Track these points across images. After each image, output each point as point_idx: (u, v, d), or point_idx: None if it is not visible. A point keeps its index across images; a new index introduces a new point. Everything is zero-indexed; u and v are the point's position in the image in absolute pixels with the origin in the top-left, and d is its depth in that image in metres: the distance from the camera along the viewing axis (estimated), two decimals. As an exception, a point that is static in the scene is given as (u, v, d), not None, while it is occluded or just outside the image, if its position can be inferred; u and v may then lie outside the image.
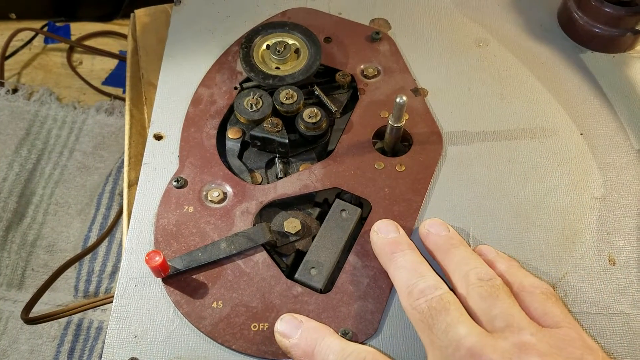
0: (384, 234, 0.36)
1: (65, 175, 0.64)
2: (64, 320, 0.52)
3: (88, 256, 0.57)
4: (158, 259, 0.33)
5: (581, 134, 0.42)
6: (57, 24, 0.74)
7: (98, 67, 0.71)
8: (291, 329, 0.33)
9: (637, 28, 0.45)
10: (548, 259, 0.37)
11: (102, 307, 0.41)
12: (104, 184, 0.61)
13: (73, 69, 0.71)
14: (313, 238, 0.38)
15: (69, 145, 0.66)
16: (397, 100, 0.37)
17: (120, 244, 0.55)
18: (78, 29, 0.73)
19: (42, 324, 0.50)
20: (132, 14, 0.51)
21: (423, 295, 0.32)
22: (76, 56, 0.72)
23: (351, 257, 0.37)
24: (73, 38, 0.71)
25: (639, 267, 0.36)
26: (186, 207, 0.38)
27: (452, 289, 0.33)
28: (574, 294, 0.36)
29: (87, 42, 0.72)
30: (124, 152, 0.43)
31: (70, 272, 0.57)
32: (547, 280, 0.36)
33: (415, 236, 0.37)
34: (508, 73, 0.45)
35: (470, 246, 0.36)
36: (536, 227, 0.38)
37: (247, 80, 0.44)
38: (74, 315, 0.52)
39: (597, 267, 0.36)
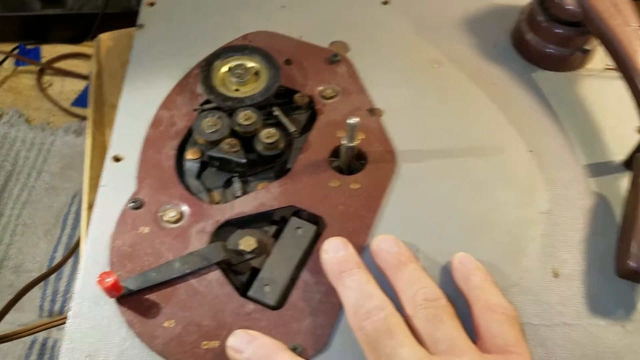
0: (332, 253, 0.36)
1: (33, 196, 0.64)
2: (28, 339, 0.52)
3: (53, 276, 0.57)
4: (109, 280, 0.34)
5: (530, 151, 0.43)
6: (28, 47, 0.74)
7: (67, 89, 0.72)
8: (243, 344, 0.34)
9: (585, 47, 0.47)
10: (494, 273, 0.37)
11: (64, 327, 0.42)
12: (70, 204, 0.62)
13: (43, 90, 0.71)
14: (268, 256, 0.39)
15: (37, 166, 0.66)
16: (349, 121, 0.38)
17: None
18: (48, 51, 0.73)
19: (7, 344, 0.51)
20: (96, 38, 0.52)
21: (369, 316, 0.32)
22: (46, 78, 0.72)
23: (304, 274, 0.38)
24: (43, 60, 0.72)
25: (582, 280, 0.38)
26: (142, 228, 0.39)
27: (401, 307, 0.34)
28: (518, 306, 0.36)
29: (57, 64, 0.72)
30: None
31: (36, 292, 0.57)
32: (493, 294, 0.37)
33: (367, 252, 0.38)
34: (460, 93, 0.46)
35: (419, 261, 0.37)
36: (483, 242, 0.39)
37: (208, 102, 0.45)
38: (38, 335, 0.52)
39: (540, 280, 0.38)
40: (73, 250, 0.55)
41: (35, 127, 0.69)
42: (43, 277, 0.56)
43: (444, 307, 0.33)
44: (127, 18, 0.50)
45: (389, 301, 0.33)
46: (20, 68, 0.73)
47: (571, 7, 0.43)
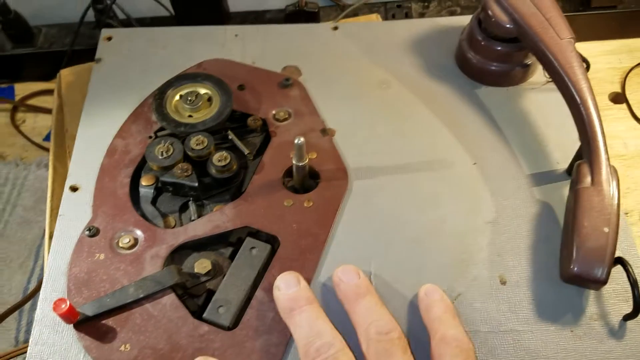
0: (284, 289, 0.36)
1: (8, 230, 0.65)
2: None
3: (28, 307, 0.58)
4: (64, 307, 0.35)
5: (474, 164, 0.45)
6: (1, 86, 0.76)
7: (40, 124, 0.73)
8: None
9: (525, 62, 0.49)
10: (444, 281, 0.39)
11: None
12: (42, 236, 0.63)
13: (16, 127, 0.72)
14: (224, 277, 0.40)
15: (12, 201, 0.67)
16: (296, 141, 0.40)
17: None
18: (21, 89, 0.75)
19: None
20: (58, 74, 0.54)
21: (318, 354, 0.33)
22: (19, 115, 0.74)
23: (258, 293, 0.39)
24: (17, 98, 0.74)
25: (528, 286, 0.39)
26: (97, 255, 0.40)
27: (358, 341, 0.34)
28: (467, 314, 0.38)
29: (30, 101, 0.74)
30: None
31: (11, 324, 0.57)
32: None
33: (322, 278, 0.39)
34: (408, 111, 0.48)
35: (376, 293, 0.37)
36: (433, 252, 0.40)
37: (162, 129, 0.46)
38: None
39: (488, 287, 0.39)
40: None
41: (10, 163, 0.70)
42: (16, 307, 0.57)
43: (396, 340, 0.33)
44: (94, 54, 0.52)
45: (339, 337, 0.34)
46: (-6, 107, 0.75)
47: (506, 24, 0.45)
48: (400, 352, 0.33)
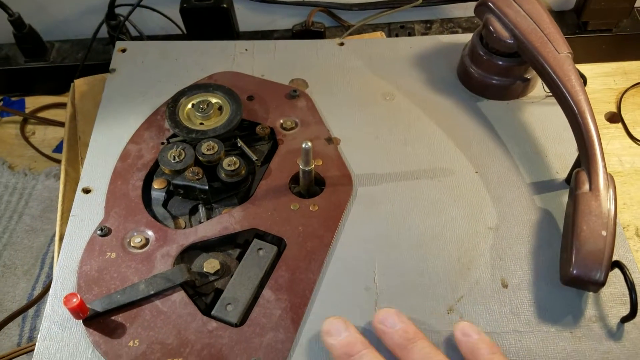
0: (336, 335, 0.36)
1: (14, 238, 0.66)
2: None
3: (31, 313, 0.58)
4: (75, 301, 0.35)
5: (476, 172, 0.46)
6: (13, 99, 0.78)
7: (50, 137, 0.74)
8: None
9: (526, 76, 0.50)
10: (445, 285, 0.40)
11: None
12: (49, 244, 0.63)
13: (26, 139, 0.74)
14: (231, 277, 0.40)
15: (19, 210, 0.68)
16: (303, 145, 0.41)
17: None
18: (32, 102, 0.77)
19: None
20: (72, 84, 0.56)
21: None
22: (29, 127, 0.75)
23: (265, 292, 0.39)
24: (27, 110, 0.75)
25: (529, 289, 0.40)
26: (109, 254, 0.41)
27: None
28: (469, 316, 0.38)
29: (40, 114, 0.75)
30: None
31: (14, 330, 0.57)
32: (444, 303, 0.39)
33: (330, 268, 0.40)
34: (411, 122, 0.50)
35: (426, 337, 0.36)
36: (435, 256, 0.41)
37: (174, 136, 0.48)
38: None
39: (490, 290, 0.40)
40: (50, 285, 0.56)
41: (18, 173, 0.71)
42: (20, 312, 0.57)
43: None
44: (105, 69, 0.54)
45: None
46: (5, 119, 0.76)
47: (506, 40, 0.47)
48: None
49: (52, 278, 0.56)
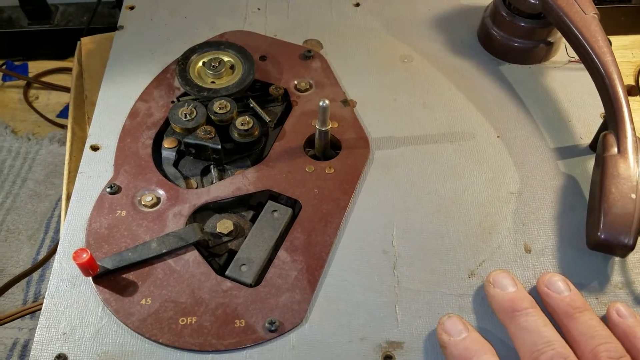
0: (500, 287, 0.35)
1: (17, 202, 0.65)
2: (9, 342, 0.51)
3: (36, 277, 0.57)
4: (85, 256, 0.34)
5: (498, 137, 0.45)
6: (16, 63, 0.76)
7: (53, 102, 0.73)
8: (456, 331, 0.33)
9: (549, 40, 0.49)
10: (466, 249, 0.38)
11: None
12: (54, 208, 0.62)
13: (29, 103, 0.72)
14: (245, 238, 0.39)
15: (22, 174, 0.67)
16: (321, 104, 0.39)
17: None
18: (35, 66, 0.75)
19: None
20: (78, 42, 0.54)
21: None
22: (32, 92, 0.74)
23: (281, 253, 0.38)
24: (30, 75, 0.74)
25: (553, 254, 0.39)
26: (119, 212, 0.39)
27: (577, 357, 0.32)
28: (491, 280, 0.37)
29: (44, 79, 0.74)
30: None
31: (18, 295, 0.57)
32: (465, 267, 0.38)
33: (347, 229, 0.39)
34: (430, 85, 0.48)
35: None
36: (455, 220, 0.40)
37: (184, 95, 0.46)
38: (19, 337, 0.52)
39: (513, 255, 0.38)
40: (55, 249, 0.55)
41: (21, 138, 0.70)
42: (24, 275, 0.56)
43: None
44: (110, 32, 0.52)
45: (570, 350, 0.32)
46: (8, 83, 0.75)
47: (531, 0, 0.46)
48: None
49: (57, 242, 0.55)
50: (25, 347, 0.52)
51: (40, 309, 0.50)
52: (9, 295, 0.56)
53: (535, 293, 0.36)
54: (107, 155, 0.42)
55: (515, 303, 0.34)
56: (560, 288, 0.35)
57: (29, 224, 0.62)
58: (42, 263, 0.57)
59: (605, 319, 0.35)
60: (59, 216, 0.59)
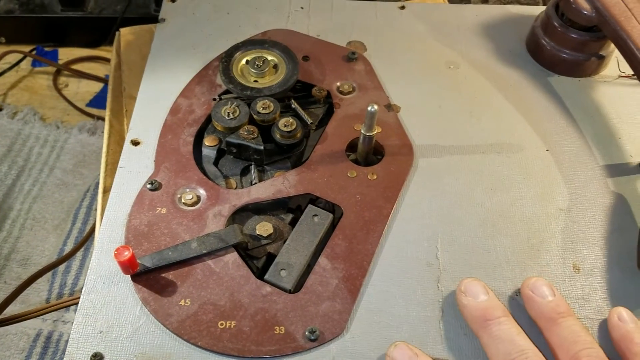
0: (472, 296, 0.34)
1: (44, 191, 0.64)
2: (33, 332, 0.50)
3: (61, 269, 0.57)
4: (127, 254, 0.33)
5: (547, 150, 0.43)
6: (46, 49, 0.75)
7: (83, 90, 0.72)
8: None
9: (601, 53, 0.47)
10: (513, 265, 0.37)
11: (72, 321, 0.41)
12: (82, 199, 0.62)
13: (58, 91, 0.72)
14: (284, 242, 0.38)
15: (50, 162, 0.66)
16: (369, 109, 0.38)
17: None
18: (66, 54, 0.74)
19: (11, 337, 0.50)
20: (117, 33, 0.53)
21: None
22: (62, 79, 0.73)
23: (321, 260, 0.37)
24: (60, 62, 0.73)
25: (602, 275, 0.37)
26: (159, 209, 0.39)
27: None
28: (539, 299, 0.36)
29: (74, 66, 0.73)
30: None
31: (43, 285, 0.56)
32: (511, 285, 0.37)
33: (392, 241, 0.38)
34: (477, 93, 0.47)
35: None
36: (502, 235, 0.39)
37: (226, 92, 0.45)
38: (43, 328, 0.51)
39: (562, 274, 0.37)
40: (84, 242, 0.55)
41: (50, 125, 0.69)
42: (51, 267, 0.55)
43: None
44: (144, 23, 0.51)
45: (543, 357, 0.31)
46: (37, 69, 0.74)
47: (586, 12, 0.44)
48: None
49: (85, 234, 0.55)
50: (49, 339, 0.51)
51: (67, 306, 0.49)
52: (34, 285, 0.56)
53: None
54: (147, 150, 0.42)
55: (488, 312, 0.33)
56: (545, 293, 0.34)
57: (55, 214, 0.62)
58: (70, 255, 0.56)
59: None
60: (87, 207, 0.58)
